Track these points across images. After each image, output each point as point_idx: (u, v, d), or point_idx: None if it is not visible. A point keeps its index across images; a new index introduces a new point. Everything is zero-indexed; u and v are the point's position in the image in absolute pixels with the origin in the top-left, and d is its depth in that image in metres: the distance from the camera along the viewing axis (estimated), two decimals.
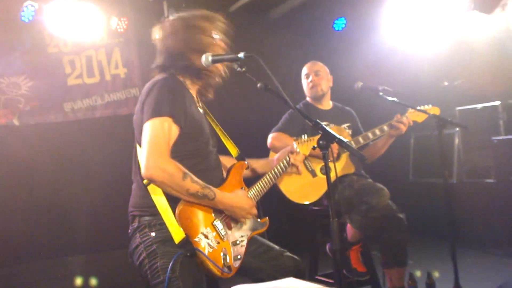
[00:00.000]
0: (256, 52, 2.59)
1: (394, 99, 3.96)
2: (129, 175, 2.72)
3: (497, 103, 5.44)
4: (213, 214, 2.58)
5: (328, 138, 2.36)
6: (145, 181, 2.48)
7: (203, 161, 2.64)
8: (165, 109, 2.42)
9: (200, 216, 2.53)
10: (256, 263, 2.76)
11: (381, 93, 4.00)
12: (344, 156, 4.11)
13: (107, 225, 5.13)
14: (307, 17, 6.31)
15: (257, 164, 3.10)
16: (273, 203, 3.85)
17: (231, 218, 2.67)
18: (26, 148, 5.08)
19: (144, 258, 2.47)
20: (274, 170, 2.96)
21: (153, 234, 2.48)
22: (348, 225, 3.95)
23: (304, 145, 3.07)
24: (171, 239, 2.42)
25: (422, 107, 4.00)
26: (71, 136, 5.35)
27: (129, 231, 2.60)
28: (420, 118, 4.00)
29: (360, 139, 4.03)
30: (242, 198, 2.66)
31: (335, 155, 3.99)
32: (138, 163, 2.57)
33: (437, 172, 4.08)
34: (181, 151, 2.51)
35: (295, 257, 2.84)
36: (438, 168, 3.91)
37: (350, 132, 4.26)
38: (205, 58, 2.63)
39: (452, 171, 5.80)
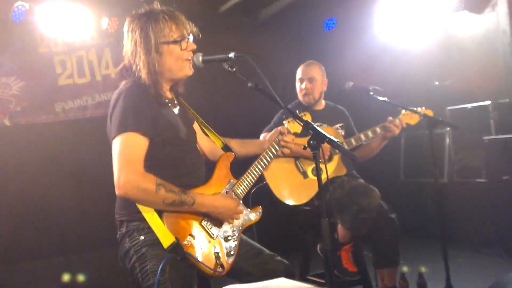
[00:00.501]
0: (247, 52, 2.59)
1: (385, 98, 3.97)
2: None
3: (488, 102, 5.45)
4: (201, 214, 2.57)
5: (318, 138, 2.36)
6: None
7: (181, 166, 2.61)
8: (130, 123, 2.41)
9: (187, 217, 2.52)
10: (246, 266, 2.73)
11: (371, 93, 4.01)
12: (336, 158, 4.10)
13: (97, 225, 5.10)
14: (297, 17, 6.31)
15: (247, 146, 3.05)
16: (263, 203, 3.84)
17: None
18: (17, 149, 5.06)
19: (135, 261, 2.45)
20: (263, 158, 2.91)
21: (142, 237, 2.46)
22: (339, 226, 3.96)
23: (296, 123, 2.98)
24: (158, 242, 2.41)
25: (416, 109, 4.01)
26: (62, 136, 5.33)
27: (118, 236, 2.59)
28: (413, 120, 4.01)
29: (353, 140, 4.03)
30: (224, 199, 2.63)
31: (326, 156, 3.99)
32: None
33: (428, 171, 4.10)
34: (156, 160, 2.50)
35: (285, 261, 2.82)
36: (429, 167, 3.93)
37: (343, 133, 4.26)
38: (196, 59, 2.64)
39: (443, 170, 5.81)
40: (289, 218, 4.56)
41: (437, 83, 6.23)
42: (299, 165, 4.07)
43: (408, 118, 4.01)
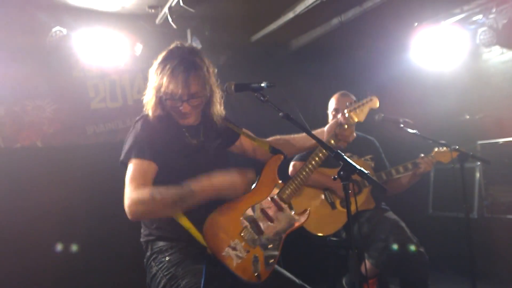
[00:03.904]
0: (277, 80, 2.63)
1: (415, 131, 3.96)
2: None
3: None
4: (240, 224, 2.60)
5: (349, 170, 2.35)
6: None
7: None
8: (133, 152, 2.57)
9: (226, 229, 2.55)
10: None
11: (401, 125, 4.00)
12: (366, 191, 4.08)
13: (126, 247, 5.13)
14: (328, 47, 6.35)
15: (300, 141, 3.01)
16: (289, 234, 3.82)
17: (260, 222, 2.66)
18: (48, 170, 5.12)
19: (165, 283, 2.46)
20: (315, 156, 2.87)
21: (167, 258, 2.50)
22: (366, 260, 3.91)
23: (359, 111, 2.90)
24: (186, 259, 2.45)
25: (441, 149, 3.98)
26: (92, 158, 5.39)
27: (145, 260, 2.63)
28: (446, 159, 3.98)
29: (383, 175, 4.02)
30: (220, 175, 2.51)
31: (356, 189, 3.98)
32: None
33: (458, 206, 4.04)
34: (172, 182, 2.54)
35: None
36: (458, 202, 3.88)
37: (373, 164, 4.24)
38: (228, 87, 2.67)
39: (473, 205, 5.72)
40: (315, 249, 4.52)
41: (468, 117, 6.17)
42: (327, 196, 4.06)
43: (441, 156, 3.98)
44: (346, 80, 6.12)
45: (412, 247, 3.73)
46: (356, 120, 2.93)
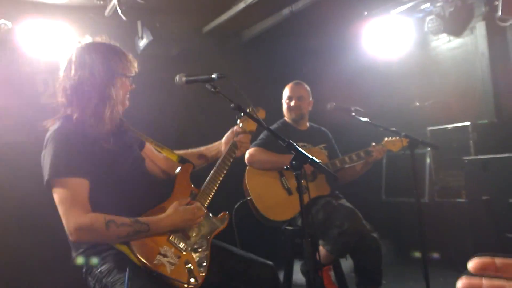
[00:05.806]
0: (229, 72, 2.63)
1: (366, 119, 4.02)
2: None
3: (467, 123, 5.51)
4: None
5: (301, 159, 2.38)
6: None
7: (127, 190, 2.59)
8: (61, 169, 2.41)
9: (153, 237, 2.51)
10: (233, 284, 2.73)
11: (353, 114, 4.06)
12: (321, 178, 4.14)
13: None
14: (279, 38, 6.37)
15: (203, 154, 3.09)
16: (248, 219, 3.85)
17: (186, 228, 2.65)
18: (0, 167, 4.99)
19: None
20: (223, 163, 2.90)
21: (99, 270, 2.47)
22: (321, 247, 3.96)
23: (250, 121, 3.00)
24: (114, 268, 2.42)
25: (391, 138, 4.07)
26: None
27: (82, 275, 2.60)
28: (396, 147, 4.07)
29: (337, 162, 4.08)
30: (180, 211, 2.57)
31: (309, 176, 4.02)
32: None
33: (409, 191, 4.14)
34: (100, 192, 2.48)
35: (268, 262, 2.86)
36: (410, 187, 3.96)
37: (326, 153, 4.29)
38: (179, 79, 2.66)
39: (424, 190, 5.86)
40: (272, 236, 4.56)
41: (417, 104, 6.31)
42: (284, 182, 4.10)
43: (390, 144, 4.07)
44: (299, 70, 6.18)
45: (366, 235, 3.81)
46: (249, 129, 3.03)
